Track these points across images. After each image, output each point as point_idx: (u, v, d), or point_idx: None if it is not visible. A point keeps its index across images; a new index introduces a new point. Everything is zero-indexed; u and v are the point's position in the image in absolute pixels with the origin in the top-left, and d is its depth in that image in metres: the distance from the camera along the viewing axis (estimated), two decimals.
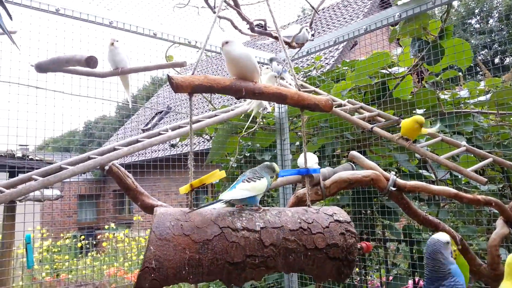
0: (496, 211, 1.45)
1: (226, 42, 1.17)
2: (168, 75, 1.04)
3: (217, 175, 1.03)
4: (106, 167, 1.62)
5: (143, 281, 0.94)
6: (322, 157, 2.89)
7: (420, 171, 2.47)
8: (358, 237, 1.20)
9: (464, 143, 1.64)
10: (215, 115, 1.99)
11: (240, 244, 1.01)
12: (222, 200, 1.07)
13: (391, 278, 2.86)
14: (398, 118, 1.83)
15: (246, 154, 3.18)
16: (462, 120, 2.16)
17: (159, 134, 1.83)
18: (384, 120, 1.86)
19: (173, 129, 1.87)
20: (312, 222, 1.14)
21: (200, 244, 0.99)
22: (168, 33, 2.28)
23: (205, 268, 0.99)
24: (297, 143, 2.99)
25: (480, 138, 2.28)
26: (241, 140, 3.11)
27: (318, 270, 1.12)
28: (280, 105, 2.68)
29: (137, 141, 1.76)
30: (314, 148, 2.76)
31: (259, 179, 1.15)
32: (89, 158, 1.63)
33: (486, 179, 1.38)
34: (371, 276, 3.56)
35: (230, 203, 1.15)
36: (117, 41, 1.84)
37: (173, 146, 3.45)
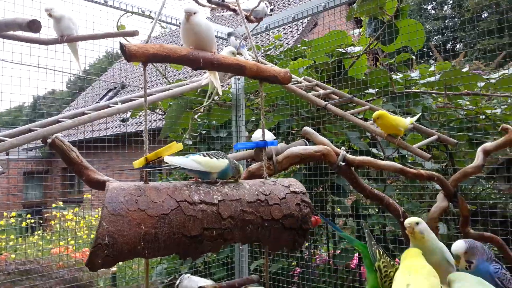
0: (438, 189, 1.55)
1: (193, 12, 1.13)
2: (120, 43, 0.99)
3: (174, 147, 1.01)
4: (49, 140, 1.52)
5: (95, 258, 0.91)
6: (277, 134, 2.92)
7: (370, 149, 2.57)
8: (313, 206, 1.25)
9: (408, 119, 1.73)
10: (169, 89, 1.94)
11: (198, 217, 1.01)
12: (173, 165, 1.06)
13: (338, 251, 3.00)
14: (351, 96, 1.89)
15: (202, 132, 3.14)
16: (412, 100, 2.26)
17: (108, 106, 1.75)
18: (338, 98, 1.91)
19: (123, 102, 1.80)
20: (269, 194, 1.16)
21: (156, 219, 0.98)
22: (120, 1, 2.16)
23: (161, 242, 0.98)
24: (253, 118, 3.00)
25: (427, 119, 2.41)
26: (197, 118, 3.06)
27: (274, 240, 1.15)
28: (236, 81, 2.66)
29: (83, 114, 1.66)
30: (269, 125, 2.78)
31: (217, 159, 1.14)
32: (30, 130, 1.52)
33: (430, 155, 1.47)
34: (320, 250, 3.72)
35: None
36: (51, 8, 1.73)
37: (123, 121, 3.33)
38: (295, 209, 1.18)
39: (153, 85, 8.56)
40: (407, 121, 1.57)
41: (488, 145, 1.44)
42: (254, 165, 1.51)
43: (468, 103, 2.80)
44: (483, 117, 2.77)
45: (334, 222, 3.32)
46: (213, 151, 1.16)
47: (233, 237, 1.07)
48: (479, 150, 1.44)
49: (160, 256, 1.01)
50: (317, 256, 3.41)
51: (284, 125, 2.92)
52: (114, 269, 4.05)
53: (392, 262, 1.07)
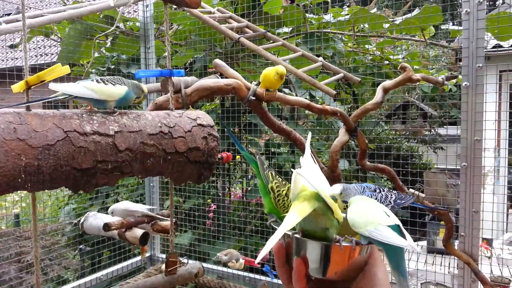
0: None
1: None
2: None
3: (58, 70, 0.89)
4: None
5: None
6: (191, 72, 2.81)
7: (282, 88, 2.62)
8: (220, 142, 1.22)
9: (320, 58, 1.75)
10: (64, 11, 1.70)
11: (90, 149, 0.92)
12: (63, 93, 0.94)
13: (249, 188, 3.12)
14: (265, 31, 1.85)
15: (110, 67, 2.89)
16: (323, 44, 2.30)
17: None
18: (252, 32, 1.86)
19: (7, 22, 1.54)
20: (174, 126, 1.10)
21: (40, 150, 0.87)
22: None
23: (46, 175, 0.88)
24: (165, 54, 2.81)
25: (337, 62, 2.48)
26: (104, 51, 2.79)
27: (178, 173, 1.11)
28: (144, 8, 2.43)
29: None
30: (183, 59, 2.65)
31: (114, 85, 1.03)
32: None
33: (336, 92, 1.52)
34: (234, 188, 3.84)
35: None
36: None
37: (12, 47, 2.91)
38: (202, 142, 1.14)
39: (48, 7, 7.56)
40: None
41: (387, 83, 1.52)
42: (162, 98, 1.42)
43: (374, 49, 2.95)
44: (387, 62, 2.95)
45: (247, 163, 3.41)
46: (110, 77, 1.05)
47: (132, 170, 1.00)
48: (379, 88, 1.52)
49: (46, 189, 0.91)
50: (231, 193, 3.52)
51: (199, 63, 2.81)
52: (16, 210, 3.76)
53: (284, 182, 1.10)
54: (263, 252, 0.54)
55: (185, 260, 1.63)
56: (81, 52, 2.34)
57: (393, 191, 0.74)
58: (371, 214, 0.60)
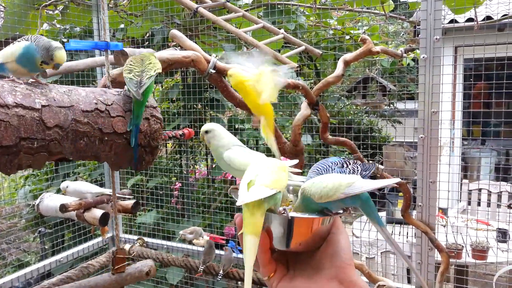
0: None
1: None
2: None
3: None
4: None
5: None
6: (150, 46, 2.69)
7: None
8: (164, 124, 1.16)
9: (282, 30, 1.72)
10: None
11: (12, 123, 0.81)
12: None
13: (214, 165, 3.09)
14: (224, 1, 1.78)
15: (63, 40, 2.72)
16: (284, 16, 2.26)
17: None
18: (210, 1, 1.79)
19: None
20: (112, 104, 1.02)
21: None
22: None
23: None
24: (122, 25, 2.68)
25: (300, 36, 2.46)
26: (57, 24, 2.61)
27: (116, 157, 1.03)
28: None
29: None
30: (139, 31, 2.53)
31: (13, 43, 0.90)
32: None
33: (298, 64, 1.50)
34: (199, 165, 3.81)
35: None
36: None
37: None
38: (143, 123, 1.06)
39: None
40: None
41: (348, 55, 1.52)
42: (115, 70, 1.34)
43: (336, 23, 2.95)
44: (348, 37, 2.96)
45: None
46: (31, 36, 0.92)
47: (62, 150, 0.90)
48: (340, 61, 1.51)
49: None
50: (196, 171, 3.48)
51: (158, 36, 2.69)
52: None
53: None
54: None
55: (143, 238, 1.55)
56: (28, 23, 2.17)
57: (358, 163, 0.74)
58: (336, 180, 0.61)
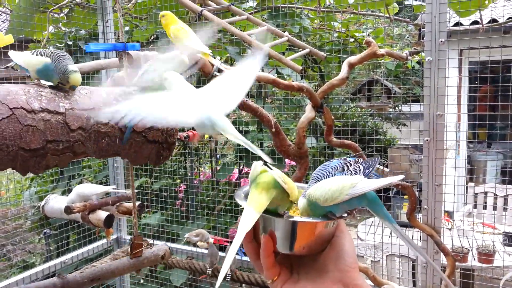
0: None
1: None
2: None
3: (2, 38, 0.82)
4: None
5: None
6: (155, 48, 2.70)
7: None
8: None
9: (286, 33, 1.72)
10: None
11: (39, 128, 0.85)
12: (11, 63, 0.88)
13: (219, 168, 3.10)
14: (229, 4, 1.79)
15: (68, 43, 2.74)
16: (288, 19, 2.26)
17: None
18: (215, 4, 1.79)
19: None
20: None
21: None
22: None
23: None
24: (126, 28, 2.69)
25: (304, 39, 2.46)
26: (62, 27, 2.63)
27: (136, 154, 1.07)
28: None
29: None
30: (144, 34, 2.54)
31: (41, 56, 0.94)
32: None
33: (301, 67, 1.50)
34: (203, 168, 3.82)
35: None
36: None
37: None
38: None
39: None
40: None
41: (352, 58, 1.52)
42: (120, 73, 1.35)
43: (340, 26, 2.95)
44: (352, 40, 2.96)
45: (216, 141, 3.38)
46: (57, 50, 0.97)
47: (86, 150, 0.95)
48: (345, 63, 1.51)
49: None
50: (201, 173, 3.49)
51: (163, 38, 2.71)
52: None
53: None
54: (225, 267, 0.53)
55: (152, 241, 1.60)
56: (34, 26, 2.18)
57: (360, 161, 0.74)
58: (340, 182, 0.61)
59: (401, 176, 0.63)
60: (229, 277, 2.02)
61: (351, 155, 1.65)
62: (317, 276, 0.57)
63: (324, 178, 0.72)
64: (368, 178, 0.65)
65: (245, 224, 0.54)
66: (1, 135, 0.81)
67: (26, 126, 0.83)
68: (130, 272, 1.54)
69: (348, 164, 0.76)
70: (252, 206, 0.55)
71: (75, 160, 0.97)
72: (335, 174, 0.73)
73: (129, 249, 1.57)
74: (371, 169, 0.70)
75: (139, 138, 1.05)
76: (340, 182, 0.61)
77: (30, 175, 3.40)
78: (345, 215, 0.61)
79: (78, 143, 0.92)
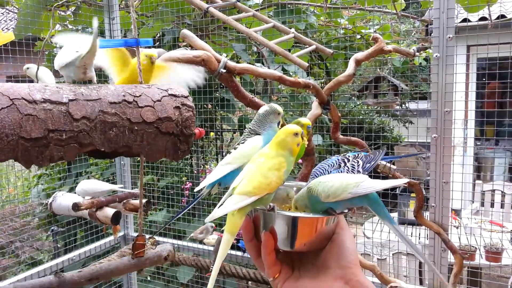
0: None
1: None
2: None
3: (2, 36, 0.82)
4: None
5: None
6: (161, 46, 2.71)
7: (256, 63, 2.57)
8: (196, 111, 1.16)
9: (292, 30, 1.71)
10: None
11: (39, 117, 0.84)
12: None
13: None
14: (235, 1, 1.78)
15: None
16: (295, 16, 2.25)
17: None
18: (221, 1, 1.79)
19: None
20: (140, 96, 1.03)
21: None
22: None
23: None
24: (132, 27, 2.69)
25: (310, 36, 2.45)
26: (69, 25, 2.64)
27: (150, 147, 1.04)
28: None
29: None
30: (151, 31, 2.54)
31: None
32: None
33: (308, 64, 1.49)
34: (209, 165, 3.82)
35: None
36: None
37: None
38: (174, 112, 1.05)
39: None
40: None
41: (359, 54, 1.51)
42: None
43: (346, 22, 2.93)
44: (359, 36, 2.94)
45: (222, 138, 3.39)
46: None
47: (92, 141, 0.92)
48: (351, 60, 1.50)
49: None
50: (207, 170, 3.49)
51: (169, 36, 2.71)
52: None
53: None
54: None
55: (155, 237, 1.59)
56: (41, 24, 2.19)
57: (360, 156, 0.73)
58: (344, 179, 0.60)
59: (406, 180, 0.63)
60: None
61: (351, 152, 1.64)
62: (318, 273, 0.57)
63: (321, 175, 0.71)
64: (368, 172, 0.64)
65: (221, 249, 0.58)
66: (0, 124, 0.79)
67: (26, 116, 0.82)
68: (131, 272, 1.51)
69: (345, 160, 0.75)
70: (227, 229, 0.58)
71: (83, 151, 0.96)
72: (331, 171, 0.73)
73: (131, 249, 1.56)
74: (372, 163, 0.69)
75: (151, 130, 1.03)
76: (344, 179, 0.60)
77: (38, 172, 3.43)
78: (346, 210, 0.61)
79: (83, 133, 0.90)
